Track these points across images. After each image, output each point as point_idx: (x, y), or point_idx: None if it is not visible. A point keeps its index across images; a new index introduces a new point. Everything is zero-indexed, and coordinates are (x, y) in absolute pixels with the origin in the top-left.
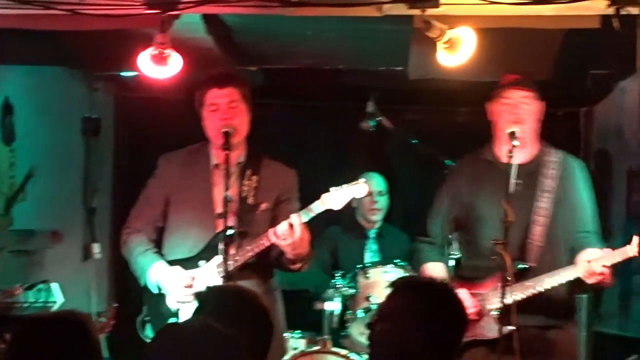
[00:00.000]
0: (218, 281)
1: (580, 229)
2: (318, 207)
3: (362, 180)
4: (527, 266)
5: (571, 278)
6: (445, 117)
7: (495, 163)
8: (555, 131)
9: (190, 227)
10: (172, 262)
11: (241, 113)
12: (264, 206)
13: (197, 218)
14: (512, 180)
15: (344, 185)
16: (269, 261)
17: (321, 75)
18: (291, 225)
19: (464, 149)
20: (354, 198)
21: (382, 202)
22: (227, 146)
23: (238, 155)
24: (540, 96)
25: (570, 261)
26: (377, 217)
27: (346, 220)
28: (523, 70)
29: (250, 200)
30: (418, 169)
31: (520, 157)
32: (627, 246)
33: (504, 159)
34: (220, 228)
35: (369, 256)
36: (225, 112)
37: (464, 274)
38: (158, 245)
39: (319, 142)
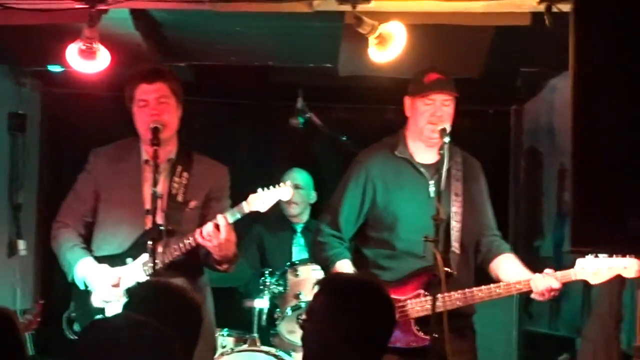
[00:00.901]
0: (144, 279)
1: (486, 232)
2: (244, 208)
3: (287, 183)
4: (450, 272)
5: (514, 293)
6: (375, 114)
7: (411, 161)
8: (485, 129)
9: (119, 224)
10: (100, 259)
11: (171, 108)
12: (193, 204)
13: (126, 214)
14: (443, 178)
15: (270, 187)
16: (197, 260)
17: (250, 72)
18: (217, 226)
19: None
20: (280, 200)
21: (298, 196)
22: (156, 142)
23: (168, 151)
24: (456, 98)
25: (477, 266)
26: (295, 210)
27: (271, 216)
28: (453, 67)
29: (179, 198)
30: (347, 166)
31: (429, 156)
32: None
33: (417, 158)
34: (148, 225)
35: (297, 250)
36: (154, 108)
37: (377, 276)
38: (87, 240)
39: (248, 138)
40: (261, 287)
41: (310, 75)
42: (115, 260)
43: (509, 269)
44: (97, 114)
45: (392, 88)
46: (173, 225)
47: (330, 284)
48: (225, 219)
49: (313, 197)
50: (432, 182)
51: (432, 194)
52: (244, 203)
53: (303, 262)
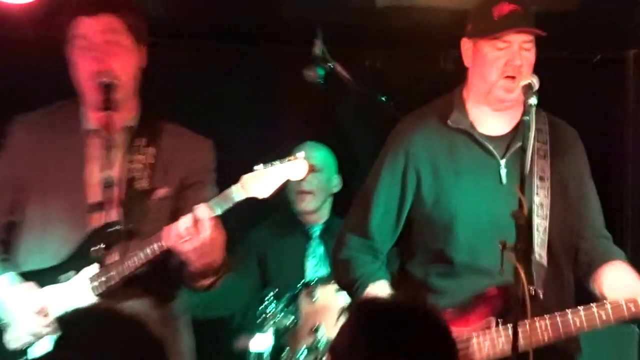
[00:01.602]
0: (91, 302)
1: (588, 233)
2: (237, 194)
3: (300, 155)
4: (534, 292)
5: (627, 318)
6: (427, 63)
7: (472, 134)
8: (588, 86)
9: (53, 224)
10: (27, 275)
11: (126, 53)
12: (162, 192)
13: (63, 210)
14: (528, 157)
15: (275, 163)
16: (168, 274)
17: (248, 4)
18: (197, 221)
19: None
20: (289, 181)
21: (314, 180)
22: (108, 103)
23: (125, 117)
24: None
25: (576, 282)
26: (310, 203)
27: (277, 214)
28: None
29: (142, 184)
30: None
31: (497, 124)
32: None
33: (480, 128)
34: (96, 224)
35: (313, 265)
36: (100, 51)
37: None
38: (9, 249)
39: (244, 100)
40: (263, 317)
41: (333, 8)
42: (49, 275)
43: (619, 282)
44: (20, 66)
45: (452, 24)
46: (133, 223)
47: (363, 312)
48: (210, 209)
49: (336, 183)
50: (503, 162)
51: (504, 180)
52: (235, 187)
53: (322, 281)
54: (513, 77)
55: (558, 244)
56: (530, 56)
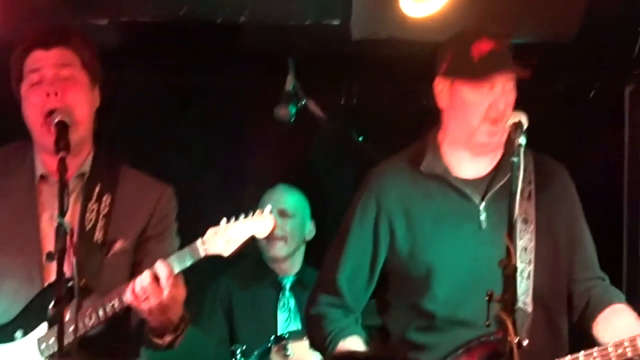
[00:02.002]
0: None
1: (582, 275)
2: (198, 250)
3: (266, 210)
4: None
5: None
6: (407, 98)
7: (446, 179)
8: (584, 122)
9: (3, 277)
10: None
11: (82, 90)
12: (119, 245)
13: (14, 262)
14: (517, 202)
15: (241, 218)
16: (128, 333)
17: (211, 34)
18: (156, 278)
19: None
20: (253, 238)
21: (286, 226)
22: (62, 144)
23: (79, 161)
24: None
25: (574, 328)
26: (281, 250)
27: (246, 263)
28: (528, 25)
29: (97, 236)
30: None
31: (475, 166)
32: None
33: (456, 172)
34: (49, 278)
35: (284, 319)
36: (52, 84)
37: (400, 357)
38: None
39: (208, 139)
40: None
41: (306, 39)
42: None
43: (616, 326)
44: None
45: (434, 57)
46: (87, 279)
47: None
48: (169, 267)
49: (309, 230)
50: (482, 206)
51: (484, 225)
52: (198, 242)
53: (294, 336)
54: (497, 122)
55: (546, 289)
56: (512, 97)
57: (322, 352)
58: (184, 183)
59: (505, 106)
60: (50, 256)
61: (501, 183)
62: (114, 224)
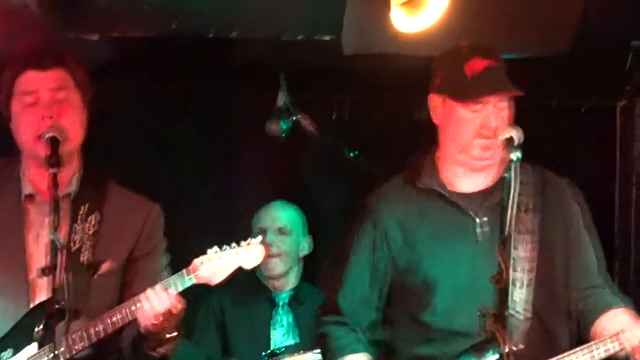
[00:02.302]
0: None
1: (582, 285)
2: (185, 279)
3: (255, 241)
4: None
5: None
6: (400, 112)
7: (442, 193)
8: (575, 137)
9: None
10: None
11: (74, 111)
12: (106, 267)
13: (0, 281)
14: (509, 217)
15: (230, 247)
16: (117, 347)
17: (202, 49)
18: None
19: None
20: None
21: (282, 244)
22: (54, 160)
23: (66, 180)
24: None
25: (574, 336)
26: (277, 267)
27: (240, 278)
28: (520, 39)
29: (83, 257)
30: (359, 197)
31: (473, 181)
32: None
33: (452, 186)
34: (38, 297)
35: (280, 335)
36: (48, 108)
37: None
38: None
39: (196, 152)
40: None
41: (298, 54)
42: None
43: (610, 325)
44: None
45: (428, 71)
46: (76, 300)
47: None
48: (171, 297)
49: (305, 246)
50: (478, 220)
51: (480, 238)
52: (184, 271)
53: (289, 350)
54: (488, 138)
55: (545, 298)
56: (506, 115)
57: None
58: (174, 198)
59: (499, 123)
60: (42, 271)
61: (495, 196)
62: (101, 245)
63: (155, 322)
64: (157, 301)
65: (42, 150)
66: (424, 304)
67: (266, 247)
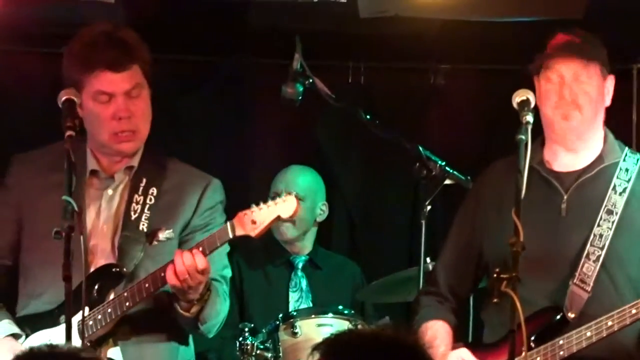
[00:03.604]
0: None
1: None
2: (226, 234)
3: (289, 193)
4: (558, 318)
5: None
6: (416, 77)
7: (539, 170)
8: None
9: (50, 266)
10: (24, 319)
11: (146, 105)
12: (163, 234)
13: (60, 251)
14: (524, 183)
15: (267, 202)
16: (170, 305)
17: (218, 12)
18: (193, 268)
19: (445, 128)
20: (279, 218)
21: (299, 209)
22: (70, 122)
23: (129, 158)
24: (608, 69)
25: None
26: (290, 232)
27: (258, 241)
28: (538, 3)
29: (141, 226)
30: (373, 161)
31: (570, 161)
32: None
33: (553, 164)
34: (96, 264)
35: (296, 298)
36: (125, 110)
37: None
38: (6, 294)
39: (211, 117)
40: (239, 352)
41: (312, 17)
42: (46, 320)
43: None
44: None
45: (443, 36)
46: (130, 266)
47: (331, 347)
48: (204, 257)
49: (321, 211)
50: (566, 196)
51: (564, 213)
52: (227, 224)
53: (303, 313)
54: (566, 110)
55: (618, 276)
56: (587, 87)
57: None
58: (193, 164)
59: (575, 95)
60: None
61: (589, 175)
62: (159, 215)
63: (177, 282)
64: (179, 261)
65: (117, 146)
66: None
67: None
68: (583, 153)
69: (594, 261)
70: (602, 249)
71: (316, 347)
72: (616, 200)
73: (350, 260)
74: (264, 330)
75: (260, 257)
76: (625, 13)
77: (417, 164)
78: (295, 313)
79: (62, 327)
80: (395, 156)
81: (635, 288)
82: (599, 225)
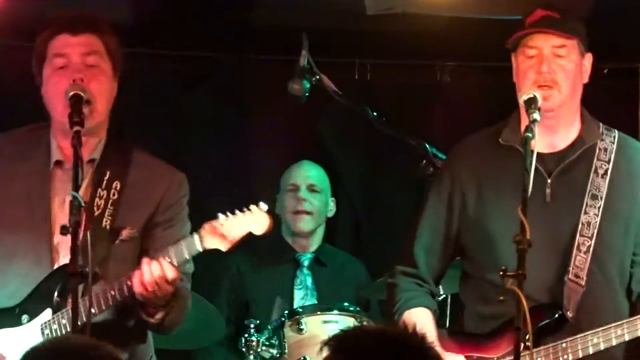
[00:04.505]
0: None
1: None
2: (195, 244)
3: (262, 207)
4: (557, 317)
5: None
6: (422, 74)
7: (521, 151)
8: (597, 99)
9: (11, 260)
10: None
11: (104, 78)
12: (126, 233)
13: (23, 245)
14: (530, 181)
15: (235, 213)
16: (133, 318)
17: (224, 8)
18: (160, 277)
19: (451, 125)
20: (250, 234)
21: (314, 202)
22: (76, 117)
23: (91, 147)
24: (585, 46)
25: (630, 310)
26: (307, 224)
27: (262, 240)
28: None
29: (106, 222)
30: (378, 158)
31: (550, 141)
32: None
33: (533, 145)
34: (59, 262)
35: (301, 296)
36: (78, 71)
37: (466, 327)
38: None
39: (217, 113)
40: (243, 349)
41: (319, 14)
42: (4, 318)
43: None
44: None
45: (449, 33)
46: (94, 265)
47: (345, 345)
48: (171, 261)
49: (330, 208)
50: (549, 180)
51: (548, 199)
52: (195, 237)
53: (308, 310)
54: (543, 86)
55: (607, 266)
56: (566, 63)
57: (393, 320)
58: (194, 165)
59: (551, 70)
60: (64, 229)
61: (571, 159)
62: (122, 211)
63: (145, 291)
64: (147, 271)
65: (67, 110)
66: (490, 263)
67: (301, 208)
68: (562, 132)
69: (584, 252)
70: (591, 238)
71: (325, 343)
72: (599, 183)
73: (355, 258)
74: (269, 327)
75: (265, 255)
76: (631, 11)
77: (424, 161)
78: (300, 310)
79: (25, 328)
80: (401, 153)
81: (622, 275)
82: (585, 213)
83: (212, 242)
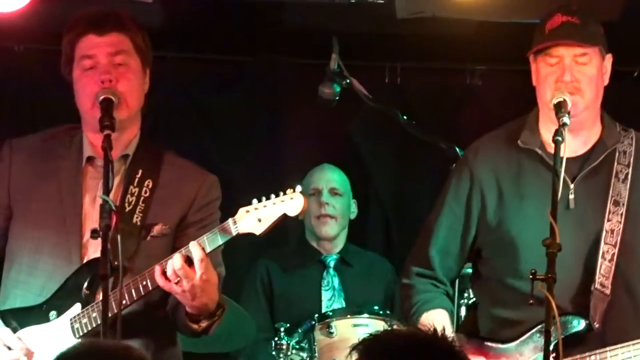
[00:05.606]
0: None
1: None
2: (230, 228)
3: (297, 189)
4: (584, 327)
5: None
6: (452, 78)
7: (541, 155)
8: (629, 101)
9: (39, 256)
10: (8, 313)
11: (133, 76)
12: (158, 229)
13: (53, 242)
14: (560, 185)
15: (272, 197)
16: (162, 316)
17: (255, 12)
18: (188, 260)
19: (481, 129)
20: (285, 216)
21: (337, 205)
22: (107, 121)
23: (124, 142)
24: (606, 48)
25: None
26: (332, 229)
27: (288, 244)
28: (577, 5)
29: (135, 219)
30: (408, 161)
31: (572, 145)
32: None
33: (553, 149)
34: (89, 257)
35: (328, 297)
36: (106, 72)
37: (486, 332)
38: None
39: (247, 116)
40: (274, 352)
41: (349, 18)
42: (33, 315)
43: None
44: (17, 82)
45: (479, 36)
46: (124, 261)
47: (375, 349)
48: (202, 247)
49: (353, 210)
50: (572, 186)
51: (571, 205)
52: (229, 221)
53: (339, 313)
54: (571, 93)
55: (632, 273)
56: (588, 70)
57: (409, 323)
58: (223, 166)
59: (574, 79)
60: (95, 232)
61: (594, 164)
62: (153, 209)
63: (167, 281)
64: (169, 265)
65: (98, 115)
66: (511, 267)
67: (324, 212)
68: (583, 135)
69: (609, 261)
70: (614, 246)
71: (355, 347)
72: (620, 189)
73: (382, 257)
74: (299, 330)
75: (291, 258)
76: None
77: (454, 165)
78: (331, 313)
79: (53, 323)
80: (430, 156)
81: None
82: (609, 220)
83: (246, 226)
